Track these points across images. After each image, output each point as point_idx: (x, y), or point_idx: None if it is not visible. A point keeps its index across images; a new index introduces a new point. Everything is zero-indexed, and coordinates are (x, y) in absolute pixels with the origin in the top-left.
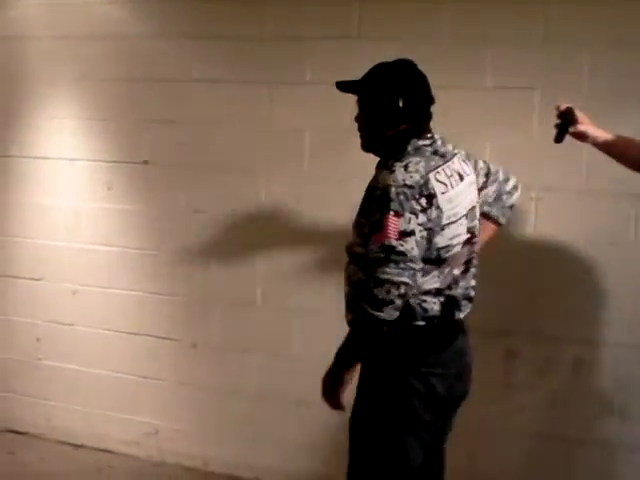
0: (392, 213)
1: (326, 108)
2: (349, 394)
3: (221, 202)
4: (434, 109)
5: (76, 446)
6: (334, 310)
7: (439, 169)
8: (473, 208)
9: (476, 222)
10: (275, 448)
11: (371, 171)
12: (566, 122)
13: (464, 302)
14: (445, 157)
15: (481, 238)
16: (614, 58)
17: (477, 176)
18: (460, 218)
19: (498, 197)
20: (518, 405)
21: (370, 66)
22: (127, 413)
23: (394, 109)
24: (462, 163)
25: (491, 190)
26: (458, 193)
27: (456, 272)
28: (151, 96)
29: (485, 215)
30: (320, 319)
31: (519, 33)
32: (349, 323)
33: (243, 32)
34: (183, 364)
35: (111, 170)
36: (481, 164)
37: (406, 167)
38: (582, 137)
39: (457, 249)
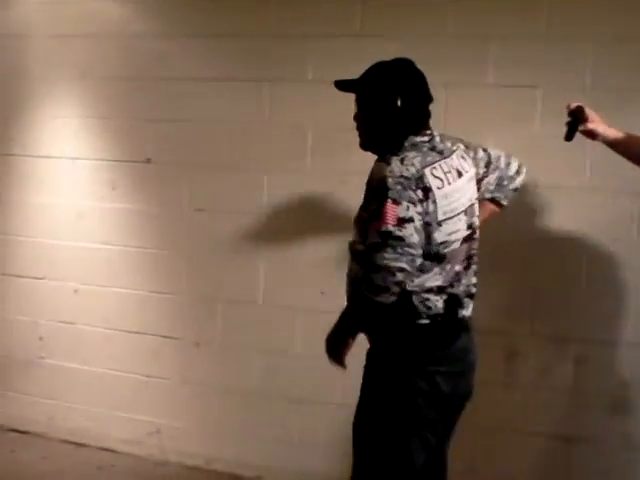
0: (390, 201)
1: (328, 106)
2: (350, 394)
3: (223, 200)
4: (435, 106)
5: (78, 445)
6: (336, 309)
7: (435, 164)
8: (472, 205)
9: (475, 219)
10: (277, 447)
11: None
12: (576, 120)
13: (466, 300)
14: (443, 153)
15: (481, 217)
16: (617, 55)
17: (477, 167)
18: (458, 214)
19: (500, 183)
20: (520, 405)
21: (372, 63)
22: (129, 412)
23: (392, 108)
24: (461, 160)
25: (492, 178)
26: (455, 189)
27: (457, 269)
28: (153, 95)
29: (487, 199)
30: (322, 318)
31: (521, 30)
32: (349, 298)
33: (245, 30)
34: (185, 363)
35: (113, 169)
36: (481, 153)
37: (402, 160)
38: (592, 135)
39: (456, 245)
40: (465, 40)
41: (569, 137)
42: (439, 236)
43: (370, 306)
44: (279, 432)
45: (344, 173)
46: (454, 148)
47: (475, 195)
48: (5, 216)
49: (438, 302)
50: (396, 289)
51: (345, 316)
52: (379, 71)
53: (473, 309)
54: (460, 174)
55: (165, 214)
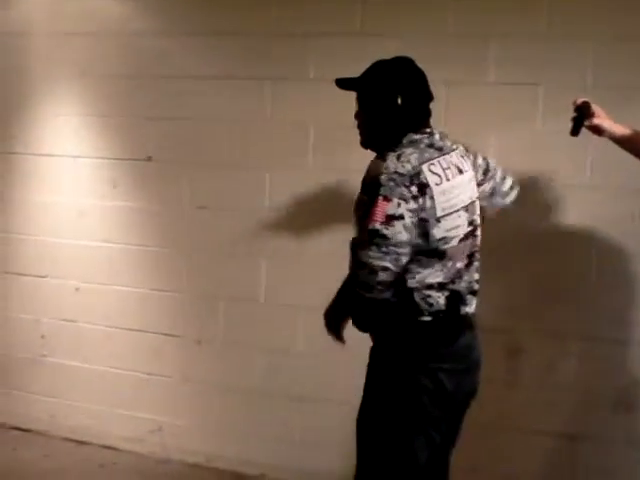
0: (381, 198)
1: (330, 104)
2: (352, 392)
3: (224, 198)
4: (436, 105)
5: (80, 443)
6: None
7: (434, 161)
8: (473, 202)
9: (476, 217)
10: (279, 444)
11: None
12: (582, 115)
13: (469, 296)
14: (442, 150)
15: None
16: (618, 53)
17: (475, 172)
18: (458, 210)
19: (492, 194)
20: (523, 403)
21: (373, 61)
22: (131, 410)
23: (393, 106)
24: (461, 159)
25: (487, 187)
26: (455, 186)
27: (459, 265)
28: (154, 93)
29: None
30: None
31: (522, 29)
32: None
33: (246, 28)
34: (187, 361)
35: (114, 167)
36: (480, 160)
37: (399, 157)
38: (598, 131)
39: (456, 242)
40: (466, 38)
41: (575, 132)
42: (438, 232)
43: (364, 303)
44: (281, 430)
45: (346, 171)
46: (454, 147)
47: (476, 194)
48: (7, 214)
49: (440, 299)
50: (380, 287)
51: (343, 293)
52: (380, 69)
53: (476, 306)
54: (460, 171)
55: (166, 212)
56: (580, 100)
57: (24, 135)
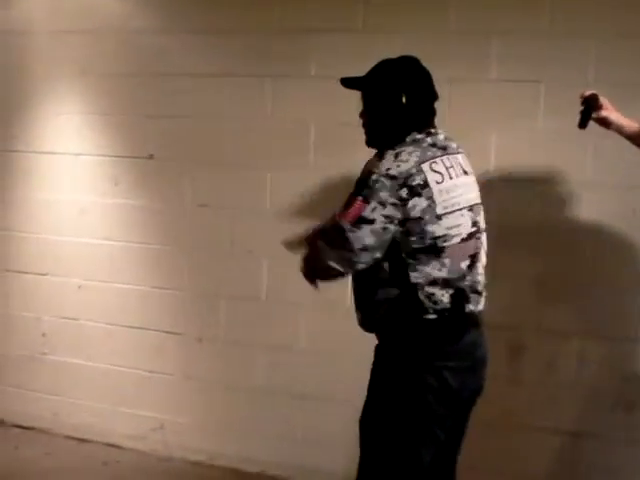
0: (361, 198)
1: (331, 102)
2: (354, 390)
3: (226, 196)
4: (438, 102)
5: (82, 441)
6: (339, 305)
7: (436, 159)
8: (478, 204)
9: (480, 218)
10: (280, 442)
11: None
12: (589, 108)
13: (472, 295)
14: (446, 150)
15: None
16: (620, 51)
17: None
18: (461, 209)
19: None
20: (525, 400)
21: (375, 60)
22: (133, 408)
23: (397, 105)
24: (466, 161)
25: None
26: (458, 185)
27: (462, 265)
28: (155, 91)
29: None
30: (325, 314)
31: (524, 26)
32: (354, 290)
33: (247, 26)
34: (188, 359)
35: (116, 165)
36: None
37: (397, 155)
38: (605, 123)
39: (457, 240)
40: (468, 36)
41: (582, 124)
42: (438, 229)
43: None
44: (282, 428)
45: (347, 168)
46: (460, 150)
47: (479, 197)
48: (8, 212)
49: (444, 297)
50: (323, 274)
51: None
52: (385, 68)
53: (477, 302)
54: (466, 172)
55: (167, 210)
56: (588, 92)
57: (25, 133)
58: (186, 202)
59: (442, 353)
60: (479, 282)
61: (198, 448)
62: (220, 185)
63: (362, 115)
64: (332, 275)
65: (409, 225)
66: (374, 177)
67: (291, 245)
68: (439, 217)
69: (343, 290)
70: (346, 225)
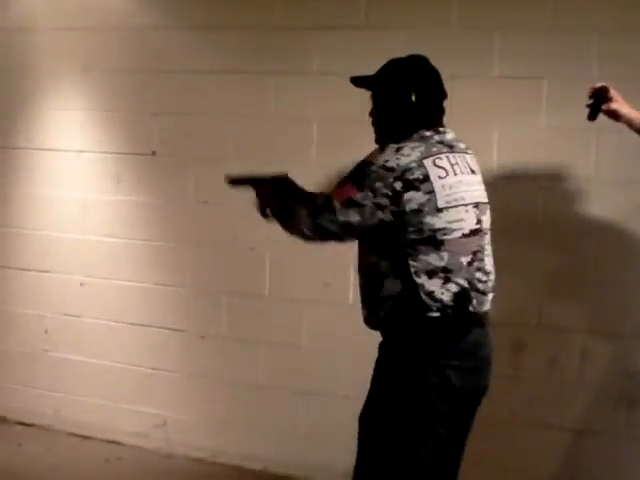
0: (357, 186)
1: (334, 98)
2: (356, 386)
3: (228, 193)
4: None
5: (84, 438)
6: (341, 302)
7: (441, 155)
8: (485, 203)
9: (485, 217)
10: (283, 439)
11: None
12: (599, 100)
13: (475, 294)
14: (453, 149)
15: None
16: (623, 46)
17: None
18: (466, 205)
19: None
20: (527, 397)
21: (377, 56)
22: (135, 404)
23: (407, 103)
24: (474, 162)
25: None
26: (463, 181)
27: (462, 260)
28: (159, 87)
29: None
30: (327, 311)
31: (527, 22)
32: (361, 286)
33: (250, 22)
34: (191, 356)
35: (118, 162)
36: None
37: (399, 149)
38: (614, 116)
39: (458, 234)
40: (470, 32)
41: (592, 117)
42: (438, 222)
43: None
44: (285, 425)
45: (349, 166)
46: (469, 151)
47: (486, 198)
48: (11, 209)
49: (443, 295)
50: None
51: (293, 197)
52: (394, 67)
53: (481, 302)
54: (473, 172)
55: (170, 207)
56: (598, 84)
57: (28, 130)
58: (188, 199)
59: (445, 352)
60: (479, 280)
61: (200, 445)
62: (222, 182)
63: (372, 114)
64: (299, 236)
65: (407, 218)
66: (371, 167)
67: (235, 182)
68: (439, 210)
69: (345, 287)
70: (335, 203)
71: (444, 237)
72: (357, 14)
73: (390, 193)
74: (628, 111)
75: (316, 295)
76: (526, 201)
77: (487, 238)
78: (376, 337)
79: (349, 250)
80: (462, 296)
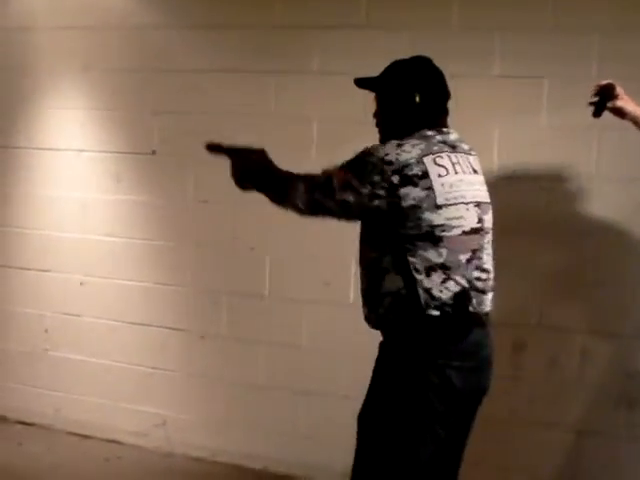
0: (357, 178)
1: (334, 98)
2: (356, 386)
3: (228, 192)
4: None
5: (84, 437)
6: (341, 302)
7: (442, 154)
8: (487, 203)
9: (487, 217)
10: (283, 439)
11: None
12: (604, 97)
13: (475, 294)
14: (455, 149)
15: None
16: (623, 46)
17: None
18: (467, 203)
19: None
20: (527, 397)
21: (378, 55)
22: (135, 404)
23: (411, 104)
24: (478, 163)
25: None
26: (464, 180)
27: (461, 257)
28: (159, 87)
29: None
30: (327, 311)
31: (527, 21)
32: (362, 282)
33: (250, 21)
34: (191, 355)
35: (118, 161)
36: None
37: (400, 145)
38: (620, 113)
39: (458, 232)
40: (471, 31)
41: (597, 114)
42: (437, 219)
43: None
44: (285, 424)
45: None
46: (472, 152)
47: (488, 198)
48: (11, 208)
49: (442, 292)
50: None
51: (275, 176)
52: (398, 68)
53: (481, 302)
54: (476, 172)
55: (170, 206)
56: (605, 81)
57: (28, 129)
58: (188, 198)
59: (445, 352)
60: (478, 279)
61: (200, 444)
62: (222, 181)
63: (376, 115)
64: (291, 209)
65: (404, 213)
66: (370, 158)
67: (213, 148)
68: (439, 207)
69: (345, 287)
70: (335, 183)
71: (443, 234)
72: (358, 13)
73: (386, 185)
74: (634, 108)
75: (316, 295)
76: (527, 201)
77: (488, 237)
78: (376, 337)
79: (349, 249)
80: (462, 296)
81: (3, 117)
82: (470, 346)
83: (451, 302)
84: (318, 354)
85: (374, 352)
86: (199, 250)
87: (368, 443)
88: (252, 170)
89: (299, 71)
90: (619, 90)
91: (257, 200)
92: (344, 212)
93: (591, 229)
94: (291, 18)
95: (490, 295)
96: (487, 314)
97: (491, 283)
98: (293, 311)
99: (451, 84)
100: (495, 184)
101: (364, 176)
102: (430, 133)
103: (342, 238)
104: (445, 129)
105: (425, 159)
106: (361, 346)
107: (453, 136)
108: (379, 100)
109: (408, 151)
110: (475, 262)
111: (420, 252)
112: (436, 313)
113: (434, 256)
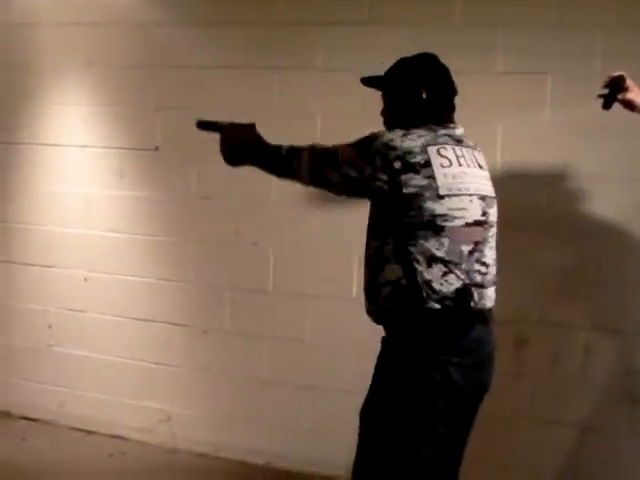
0: (357, 153)
1: (337, 94)
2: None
3: (231, 188)
4: None
5: (88, 432)
6: (344, 297)
7: (446, 146)
8: (491, 197)
9: (492, 211)
10: (286, 434)
11: None
12: (615, 89)
13: (476, 289)
14: (460, 142)
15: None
16: (627, 42)
17: None
18: (471, 195)
19: None
20: (529, 393)
21: (381, 51)
22: (139, 399)
23: (418, 101)
24: (483, 159)
25: None
26: (468, 173)
27: (463, 249)
28: (162, 83)
29: None
30: (330, 306)
31: (531, 17)
32: (366, 277)
33: (253, 18)
34: (194, 351)
35: (122, 157)
36: None
37: (406, 134)
38: (630, 106)
39: (460, 222)
40: (474, 28)
41: (607, 106)
42: (439, 208)
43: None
44: (288, 419)
45: None
46: (478, 148)
47: (493, 193)
48: (15, 204)
49: (443, 285)
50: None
51: (271, 153)
52: (404, 66)
53: (482, 297)
54: (481, 167)
55: (173, 202)
56: (616, 73)
57: (31, 125)
58: (191, 194)
59: (447, 348)
60: (479, 272)
61: (204, 440)
62: (225, 177)
63: (383, 113)
64: (292, 179)
65: (406, 200)
66: (375, 142)
67: (203, 126)
68: (441, 197)
69: (348, 282)
70: (340, 159)
71: (445, 223)
72: (360, 10)
73: (389, 170)
74: None
75: (319, 290)
76: (530, 197)
77: (492, 231)
78: (379, 331)
79: (352, 244)
80: (463, 292)
81: (7, 113)
82: (471, 342)
83: (452, 296)
84: (321, 349)
85: (377, 347)
86: (202, 245)
87: (369, 438)
88: (240, 145)
89: (302, 67)
90: (629, 82)
91: (260, 196)
92: (346, 186)
93: (593, 226)
94: (294, 15)
95: (490, 290)
96: (490, 310)
97: (490, 277)
98: (296, 306)
99: (454, 80)
100: (498, 180)
101: (367, 157)
102: (436, 127)
103: (345, 233)
104: (452, 124)
105: (429, 149)
106: (364, 341)
107: (459, 131)
108: (386, 98)
109: (413, 139)
110: (476, 255)
111: (421, 242)
112: (437, 306)
113: (435, 246)
